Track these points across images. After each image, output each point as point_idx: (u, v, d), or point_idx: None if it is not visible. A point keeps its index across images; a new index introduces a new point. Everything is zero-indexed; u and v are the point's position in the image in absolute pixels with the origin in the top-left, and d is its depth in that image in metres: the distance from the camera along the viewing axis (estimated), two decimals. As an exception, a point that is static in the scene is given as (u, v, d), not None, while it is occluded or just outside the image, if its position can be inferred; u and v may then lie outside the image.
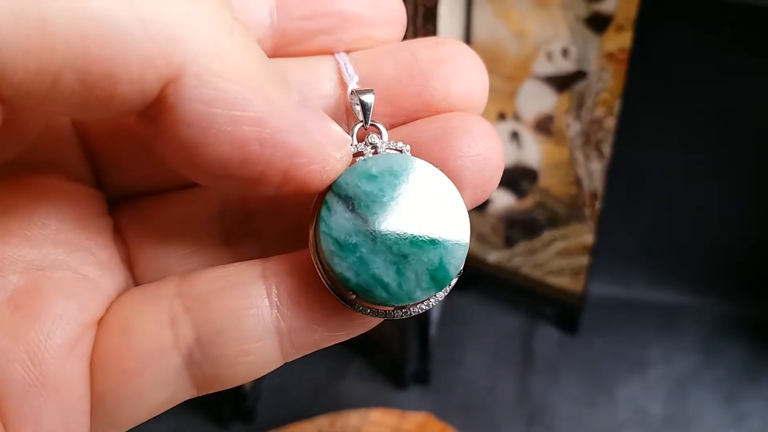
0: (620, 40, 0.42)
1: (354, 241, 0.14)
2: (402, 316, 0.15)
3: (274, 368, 0.15)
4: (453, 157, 0.14)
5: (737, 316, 0.56)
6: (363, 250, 0.14)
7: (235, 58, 0.11)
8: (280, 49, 0.14)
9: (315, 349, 0.15)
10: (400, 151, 0.15)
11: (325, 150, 0.13)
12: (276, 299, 0.14)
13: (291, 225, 0.16)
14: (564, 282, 0.54)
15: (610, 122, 0.45)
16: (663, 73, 0.50)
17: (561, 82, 0.46)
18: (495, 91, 0.49)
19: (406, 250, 0.14)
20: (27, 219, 0.14)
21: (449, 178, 0.15)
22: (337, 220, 0.14)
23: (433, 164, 0.14)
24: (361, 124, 0.15)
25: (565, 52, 0.45)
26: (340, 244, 0.13)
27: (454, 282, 0.15)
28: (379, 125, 0.15)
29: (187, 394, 0.15)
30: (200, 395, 0.15)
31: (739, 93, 0.50)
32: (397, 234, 0.14)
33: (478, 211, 0.55)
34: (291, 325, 0.14)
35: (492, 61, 0.47)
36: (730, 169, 0.54)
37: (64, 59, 0.09)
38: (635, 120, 0.46)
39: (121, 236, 0.16)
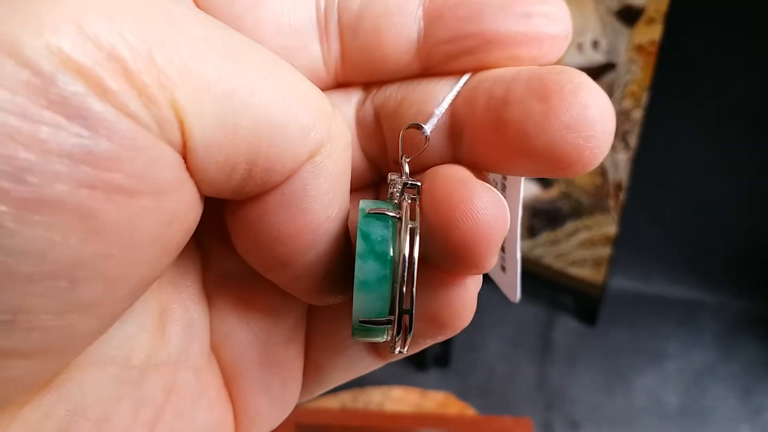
0: (650, 32, 0.43)
1: None
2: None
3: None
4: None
5: (755, 314, 0.57)
6: None
7: (341, 166, 0.13)
8: (426, 70, 0.15)
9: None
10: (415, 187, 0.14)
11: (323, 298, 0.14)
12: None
13: None
14: (585, 273, 0.55)
15: (638, 114, 0.46)
16: (692, 66, 0.50)
17: (590, 74, 0.46)
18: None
19: None
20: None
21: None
22: None
23: None
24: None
25: (595, 44, 0.46)
26: None
27: None
28: (403, 161, 0.15)
29: (375, 364, 0.16)
30: (382, 363, 0.16)
31: None
32: None
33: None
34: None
35: (523, 51, 0.48)
36: (755, 166, 0.54)
37: (243, 154, 0.11)
38: (662, 112, 0.47)
39: None
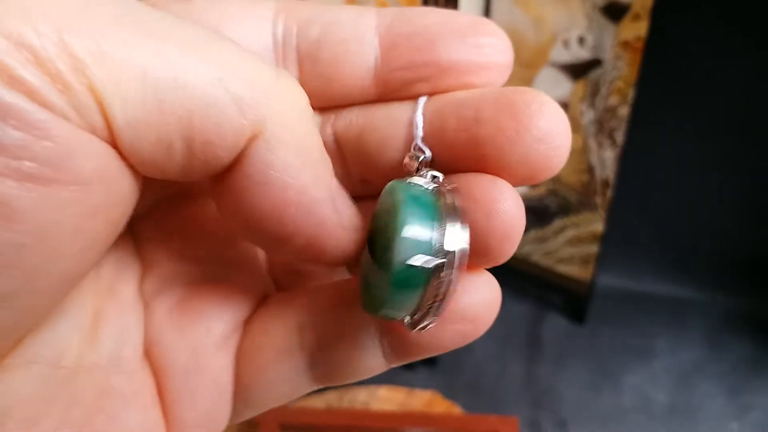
0: (636, 28, 0.43)
1: None
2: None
3: (381, 371, 0.17)
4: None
5: (743, 312, 0.57)
6: None
7: (300, 133, 0.13)
8: (382, 95, 0.16)
9: (418, 358, 0.16)
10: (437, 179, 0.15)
11: (345, 230, 0.14)
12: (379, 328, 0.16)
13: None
14: (573, 271, 0.55)
15: (624, 110, 0.46)
16: (678, 62, 0.50)
17: (576, 70, 0.47)
18: (512, 78, 0.49)
19: None
20: (187, 239, 0.16)
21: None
22: None
23: None
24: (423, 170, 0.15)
25: (581, 40, 0.46)
26: None
27: None
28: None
29: (309, 387, 0.17)
30: (319, 387, 0.17)
31: (755, 85, 0.50)
32: None
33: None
34: (392, 342, 0.16)
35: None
36: (742, 162, 0.54)
37: (175, 130, 0.12)
38: (649, 109, 0.47)
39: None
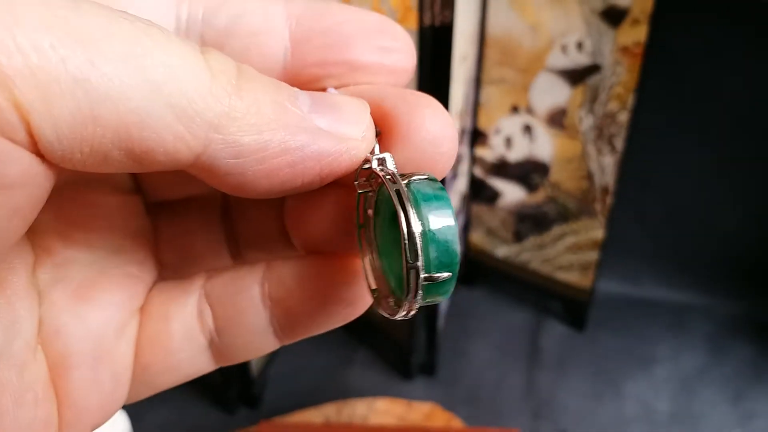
0: (635, 33, 0.42)
1: None
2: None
3: (273, 349, 0.18)
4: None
5: (745, 317, 0.56)
6: None
7: (248, 114, 0.13)
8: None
9: (305, 337, 0.18)
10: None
11: (345, 139, 0.14)
12: (269, 300, 0.17)
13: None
14: (572, 278, 0.54)
15: (624, 116, 0.45)
16: (678, 68, 0.50)
17: (575, 76, 0.46)
18: (508, 83, 0.49)
19: None
20: (84, 227, 0.16)
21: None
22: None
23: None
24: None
25: (579, 46, 0.45)
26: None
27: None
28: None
29: (210, 366, 0.18)
30: (218, 366, 0.18)
31: (755, 90, 0.50)
32: None
33: (489, 205, 0.55)
34: (281, 321, 0.17)
35: (506, 53, 0.48)
36: (742, 168, 0.54)
37: (111, 143, 0.11)
38: (649, 115, 0.46)
39: (155, 234, 0.19)
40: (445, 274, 0.14)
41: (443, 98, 0.38)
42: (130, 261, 0.17)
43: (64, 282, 0.16)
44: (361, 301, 0.17)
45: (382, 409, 0.47)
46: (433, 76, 0.37)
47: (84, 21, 0.11)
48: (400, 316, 0.15)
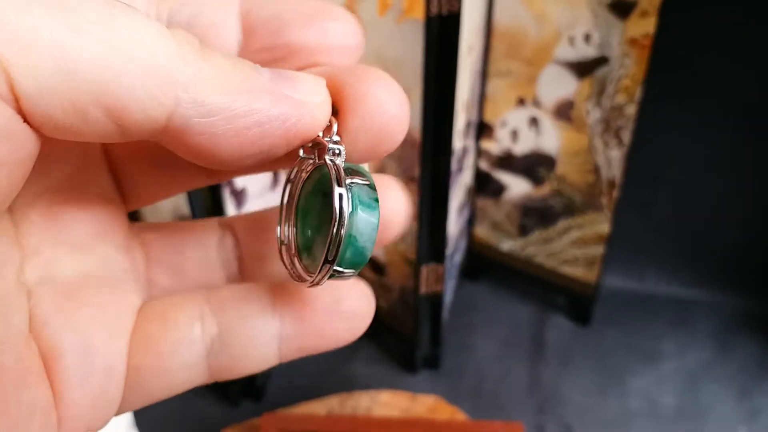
0: (644, 25, 0.42)
1: None
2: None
3: (269, 366, 0.18)
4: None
5: (751, 312, 0.56)
6: None
7: (213, 76, 0.14)
8: None
9: (304, 355, 0.19)
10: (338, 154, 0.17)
11: (304, 103, 0.15)
12: (279, 313, 0.18)
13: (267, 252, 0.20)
14: (578, 272, 0.54)
15: (631, 109, 0.45)
16: (686, 60, 0.49)
17: (582, 68, 0.46)
18: (515, 76, 0.48)
19: None
20: (72, 231, 0.17)
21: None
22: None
23: None
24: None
25: (587, 38, 0.45)
26: None
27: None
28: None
29: (201, 379, 0.18)
30: (209, 382, 0.18)
31: (765, 84, 0.49)
32: None
33: (494, 198, 0.55)
34: (289, 332, 0.18)
35: (513, 45, 0.47)
36: (750, 162, 0.53)
37: (89, 97, 0.12)
38: (656, 108, 0.46)
39: (144, 244, 0.19)
40: (351, 271, 0.16)
41: (450, 88, 0.38)
42: (117, 264, 0.18)
43: (52, 282, 0.17)
44: (368, 318, 0.18)
45: (386, 401, 0.47)
46: (439, 66, 0.37)
47: None
48: (296, 280, 0.17)
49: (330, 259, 0.15)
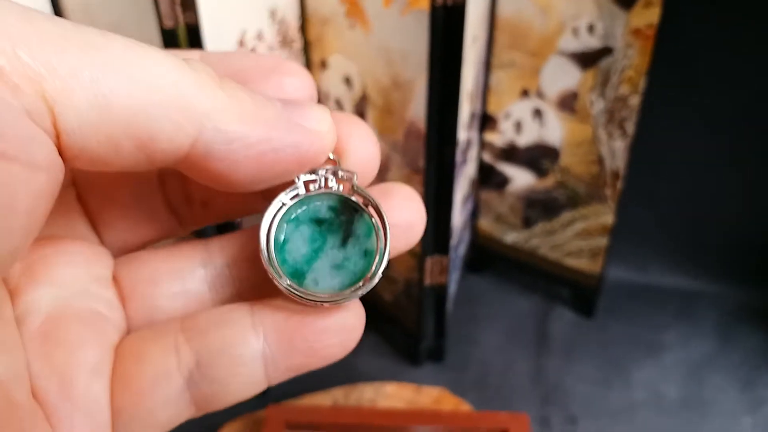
0: (648, 15, 0.42)
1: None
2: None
3: (258, 391, 0.18)
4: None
5: (754, 304, 0.56)
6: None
7: (231, 106, 0.15)
8: None
9: (293, 375, 0.19)
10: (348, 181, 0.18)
11: (314, 130, 0.16)
12: (262, 331, 0.18)
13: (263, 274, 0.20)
14: (582, 264, 0.54)
15: (635, 100, 0.45)
16: (691, 51, 0.49)
17: (586, 59, 0.46)
18: (518, 67, 0.48)
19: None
20: (49, 268, 0.18)
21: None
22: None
23: None
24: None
25: (591, 28, 0.45)
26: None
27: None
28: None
29: (188, 413, 0.18)
30: (197, 416, 0.18)
31: (768, 75, 0.49)
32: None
33: (498, 190, 0.55)
34: (274, 352, 0.17)
35: (516, 36, 0.47)
36: (754, 154, 0.53)
37: (121, 130, 0.13)
38: (661, 99, 0.46)
39: (117, 281, 0.19)
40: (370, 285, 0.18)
41: (454, 79, 0.38)
42: (96, 301, 0.18)
43: (30, 321, 0.17)
44: (359, 330, 0.19)
45: (391, 393, 0.47)
46: (444, 57, 0.37)
47: (84, 35, 0.13)
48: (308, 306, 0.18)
49: (372, 274, 0.18)
